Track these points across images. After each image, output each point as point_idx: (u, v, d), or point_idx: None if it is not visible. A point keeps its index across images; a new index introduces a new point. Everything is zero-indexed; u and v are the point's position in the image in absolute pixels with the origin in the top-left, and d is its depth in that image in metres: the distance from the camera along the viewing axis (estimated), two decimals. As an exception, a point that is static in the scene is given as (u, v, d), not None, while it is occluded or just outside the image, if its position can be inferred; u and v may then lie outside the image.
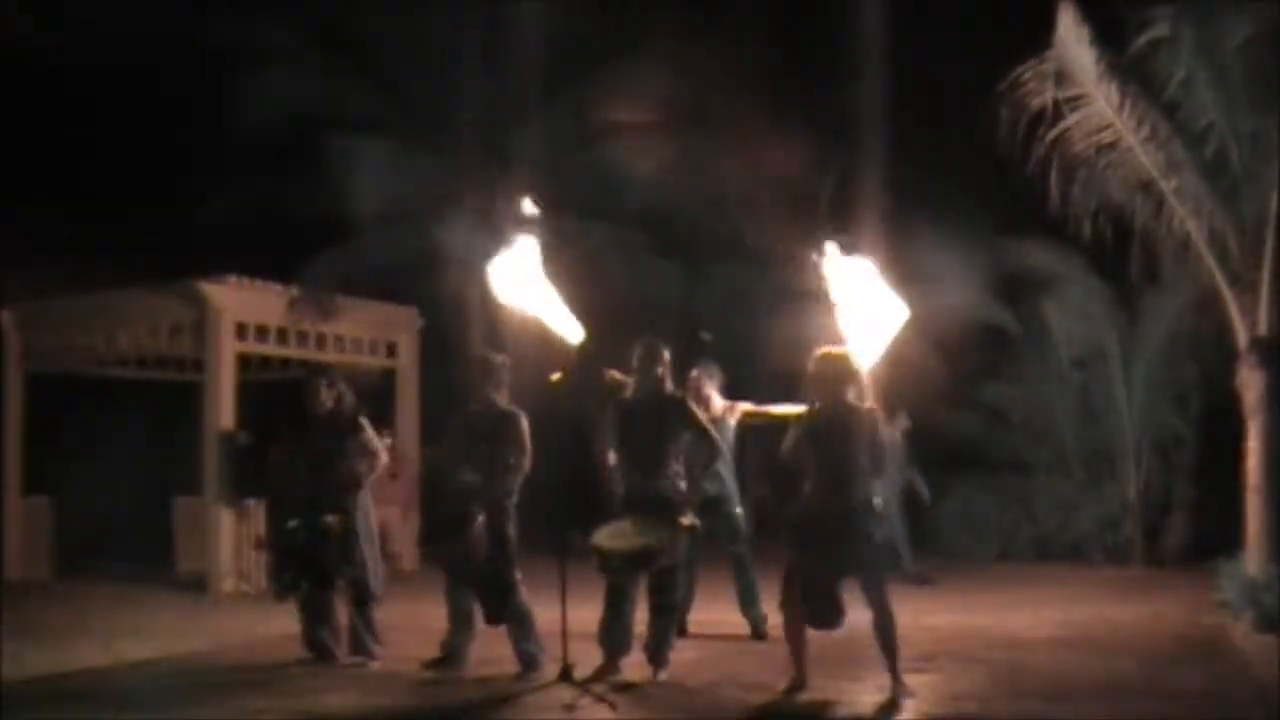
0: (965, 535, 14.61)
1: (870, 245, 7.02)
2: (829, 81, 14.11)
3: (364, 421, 8.21)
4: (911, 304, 6.92)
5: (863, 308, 6.84)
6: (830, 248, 6.88)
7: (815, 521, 6.71)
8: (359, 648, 7.98)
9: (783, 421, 7.37)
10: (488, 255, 7.27)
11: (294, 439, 8.21)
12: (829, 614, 6.65)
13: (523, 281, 7.27)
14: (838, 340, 6.88)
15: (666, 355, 7.37)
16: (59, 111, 15.21)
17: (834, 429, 6.77)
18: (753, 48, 14.83)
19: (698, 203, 14.54)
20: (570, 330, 7.31)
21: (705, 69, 14.15)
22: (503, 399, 7.56)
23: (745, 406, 8.82)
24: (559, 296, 7.31)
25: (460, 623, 7.52)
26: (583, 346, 7.31)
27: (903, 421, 12.57)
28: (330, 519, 7.87)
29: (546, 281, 7.28)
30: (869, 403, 6.87)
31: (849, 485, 6.72)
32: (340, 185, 13.61)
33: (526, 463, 7.45)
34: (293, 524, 7.96)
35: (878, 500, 6.85)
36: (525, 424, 7.47)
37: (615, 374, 7.52)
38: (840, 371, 6.84)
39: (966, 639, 8.67)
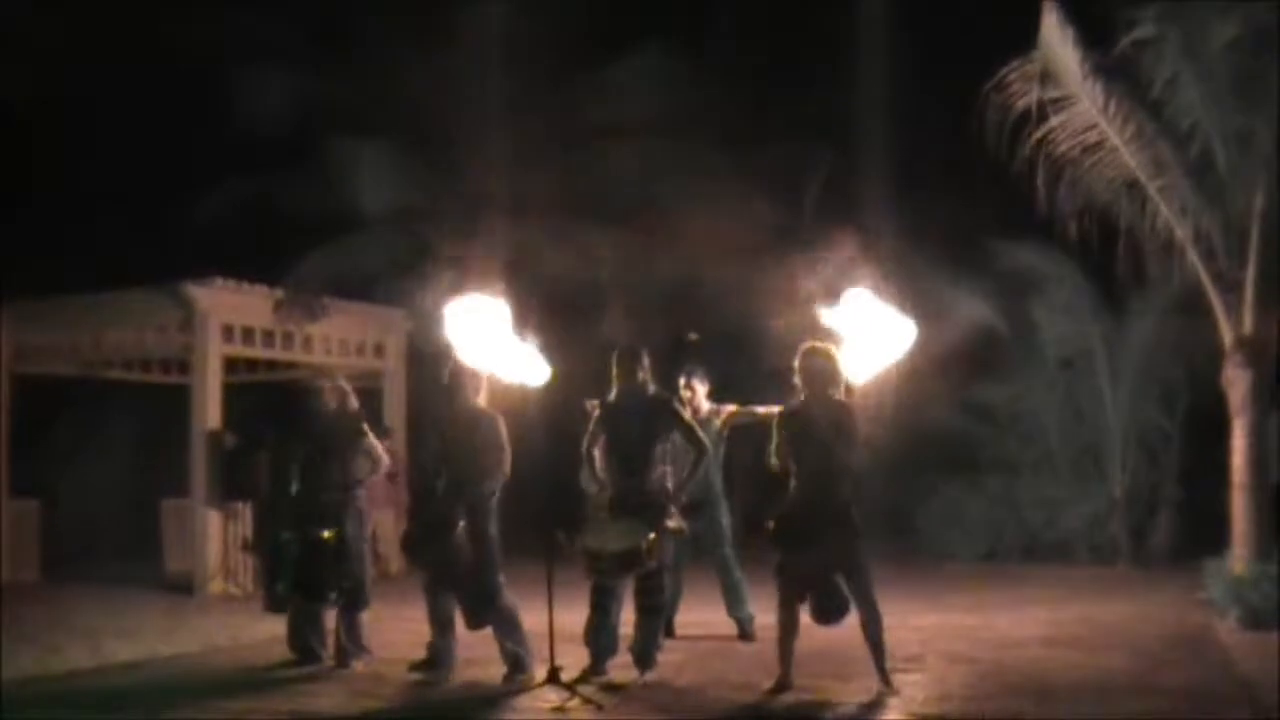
0: (952, 535, 14.61)
1: (855, 245, 7.03)
2: (815, 83, 14.14)
3: (366, 428, 8.22)
4: (899, 306, 6.94)
5: (868, 337, 6.89)
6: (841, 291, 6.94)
7: (802, 517, 6.73)
8: (341, 660, 7.96)
9: (768, 421, 7.37)
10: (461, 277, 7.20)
11: (286, 443, 8.19)
12: (832, 608, 6.69)
13: (482, 332, 7.22)
14: (828, 339, 6.91)
15: (646, 358, 7.38)
16: (48, 114, 15.15)
17: (818, 424, 6.79)
18: (740, 50, 14.87)
19: (686, 202, 14.54)
20: (535, 373, 7.29)
21: (696, 69, 14.17)
22: (481, 402, 7.56)
23: (730, 408, 8.82)
24: (524, 336, 7.25)
25: (441, 626, 7.51)
26: (550, 383, 7.31)
27: None
28: (325, 532, 7.85)
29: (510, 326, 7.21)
30: (851, 396, 6.90)
31: (834, 480, 6.74)
32: (328, 186, 13.59)
33: (506, 464, 7.45)
34: (286, 536, 7.92)
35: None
36: (503, 426, 7.46)
37: (593, 404, 7.52)
38: (825, 366, 6.85)
39: (953, 639, 8.68)
